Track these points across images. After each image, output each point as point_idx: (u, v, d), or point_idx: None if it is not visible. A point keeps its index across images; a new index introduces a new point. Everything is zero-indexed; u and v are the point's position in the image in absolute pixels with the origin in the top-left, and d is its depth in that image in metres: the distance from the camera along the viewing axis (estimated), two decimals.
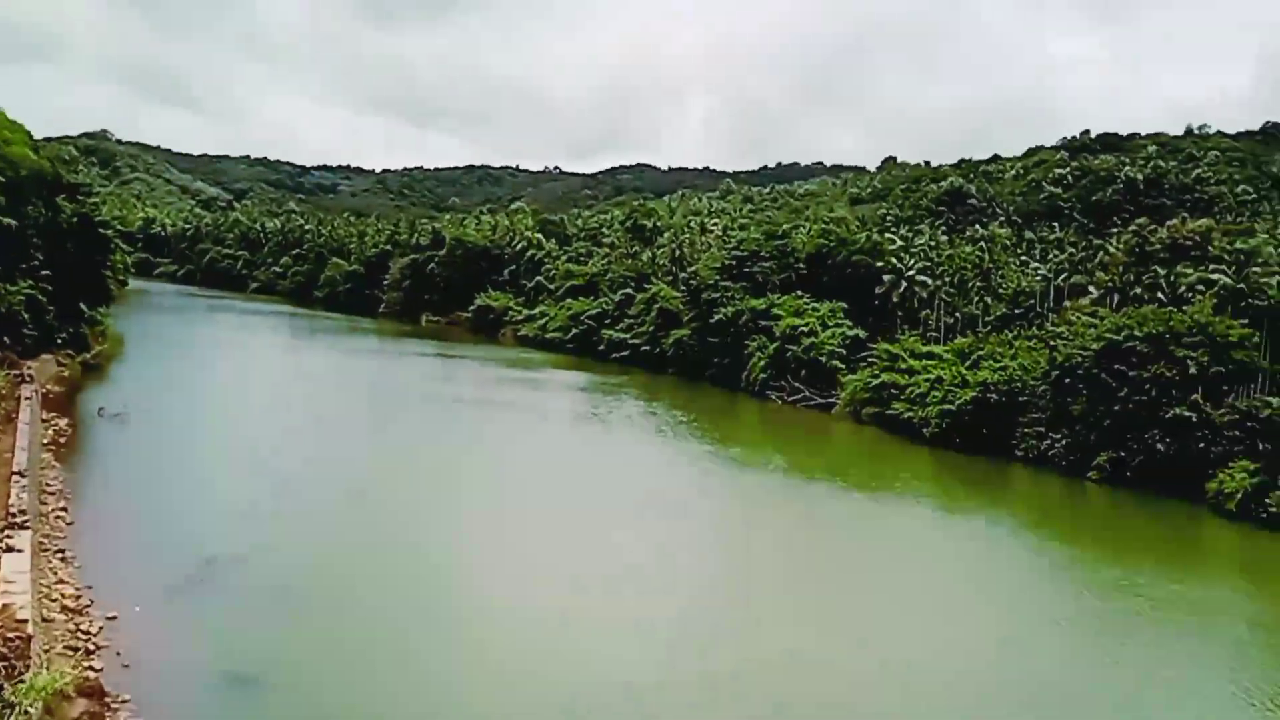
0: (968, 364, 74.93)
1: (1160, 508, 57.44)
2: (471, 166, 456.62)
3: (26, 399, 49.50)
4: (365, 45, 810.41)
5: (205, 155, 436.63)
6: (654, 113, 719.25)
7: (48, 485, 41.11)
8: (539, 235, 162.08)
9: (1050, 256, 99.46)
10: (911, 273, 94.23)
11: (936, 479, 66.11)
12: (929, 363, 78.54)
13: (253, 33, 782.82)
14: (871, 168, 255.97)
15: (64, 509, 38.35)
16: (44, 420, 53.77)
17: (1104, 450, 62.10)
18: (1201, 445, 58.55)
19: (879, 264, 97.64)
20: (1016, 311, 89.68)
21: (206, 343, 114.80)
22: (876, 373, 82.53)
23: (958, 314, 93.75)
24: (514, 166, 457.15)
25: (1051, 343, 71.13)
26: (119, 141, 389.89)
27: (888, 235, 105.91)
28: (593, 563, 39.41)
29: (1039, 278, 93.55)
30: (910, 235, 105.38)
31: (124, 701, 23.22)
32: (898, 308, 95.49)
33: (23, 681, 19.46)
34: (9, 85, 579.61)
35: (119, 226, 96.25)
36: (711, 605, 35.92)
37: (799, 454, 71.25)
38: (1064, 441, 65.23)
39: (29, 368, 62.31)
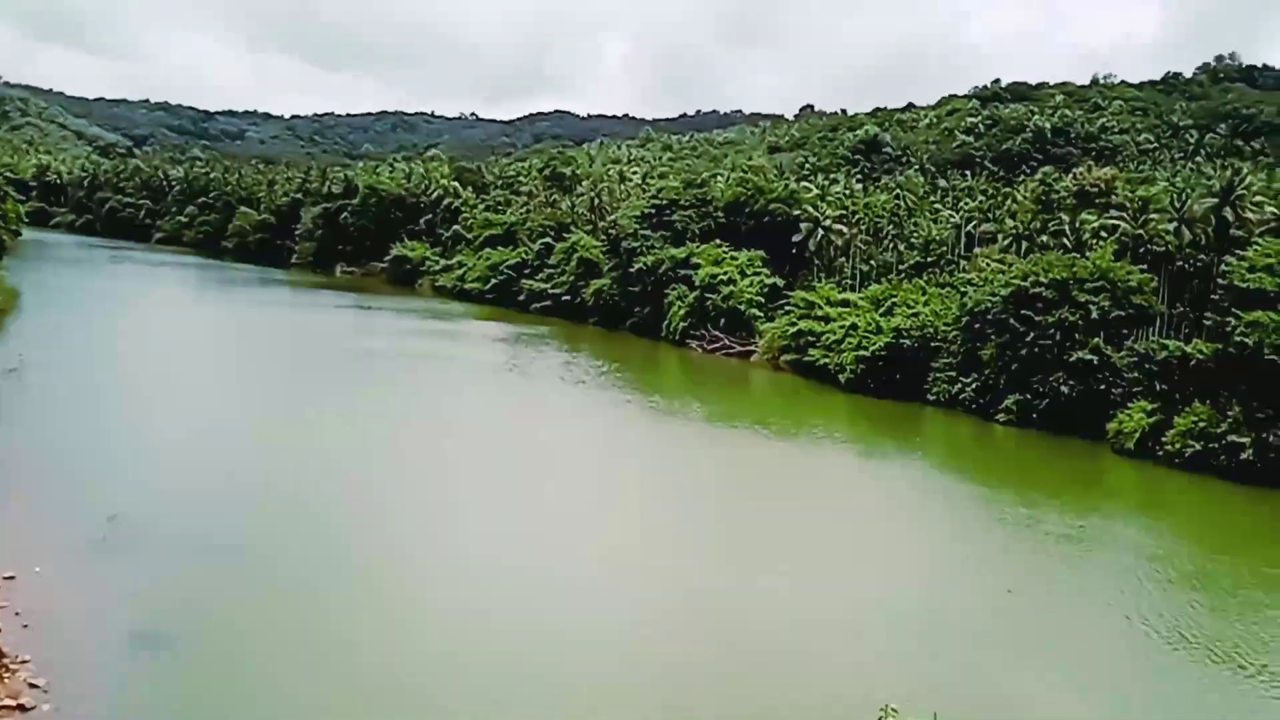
0: (882, 311, 76.27)
1: (1065, 447, 59.56)
2: (385, 112, 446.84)
3: None
4: None
5: (102, 99, 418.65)
6: (572, 56, 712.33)
7: None
8: (455, 184, 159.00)
9: (962, 205, 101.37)
10: (828, 221, 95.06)
11: (853, 423, 67.41)
12: (844, 310, 79.68)
13: None
14: (790, 116, 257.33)
15: None
16: None
17: (1012, 393, 63.99)
18: (1103, 387, 60.77)
19: (796, 212, 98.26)
20: (929, 259, 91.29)
21: (108, 295, 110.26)
22: (794, 320, 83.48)
23: (872, 261, 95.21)
24: (429, 112, 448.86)
25: (962, 289, 72.74)
26: (7, 84, 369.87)
27: (804, 184, 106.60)
28: (509, 514, 39.27)
29: (950, 225, 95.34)
30: (826, 184, 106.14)
31: (23, 662, 22.50)
32: (815, 256, 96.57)
33: None
34: None
35: (6, 174, 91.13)
36: (636, 552, 36.10)
37: (720, 401, 71.99)
38: (974, 385, 67.03)
39: None
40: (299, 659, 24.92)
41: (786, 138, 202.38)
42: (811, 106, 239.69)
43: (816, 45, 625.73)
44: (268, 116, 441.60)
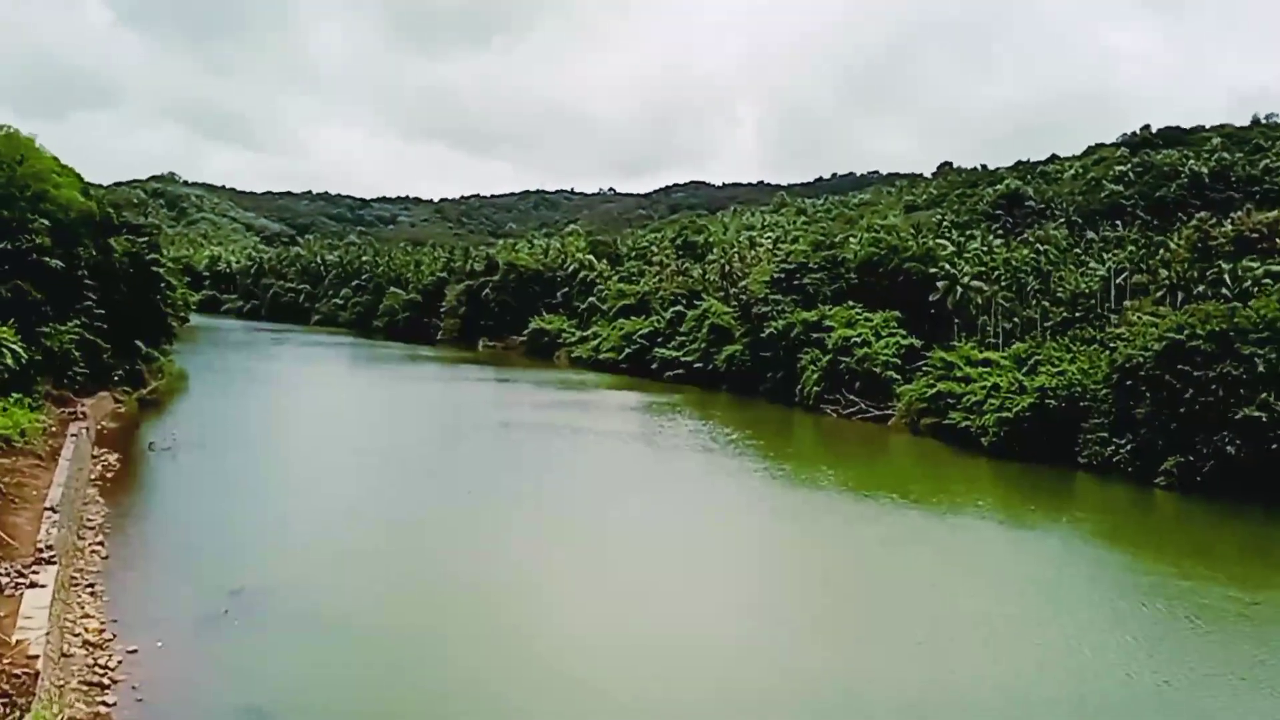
0: (1025, 370, 72.52)
1: (1236, 515, 54.45)
2: (527, 192, 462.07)
3: (73, 435, 50.27)
4: (410, 74, 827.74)
5: (269, 193, 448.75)
6: (704, 127, 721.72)
7: (88, 520, 41.51)
8: (590, 256, 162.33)
9: (1110, 256, 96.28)
10: (966, 278, 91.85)
11: (997, 489, 63.72)
12: (985, 370, 76.21)
13: (300, 66, 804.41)
14: (927, 173, 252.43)
15: (100, 543, 38.58)
16: (94, 456, 54.66)
17: (1172, 455, 59.28)
18: (1275, 446, 55.57)
19: (932, 270, 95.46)
20: (1076, 314, 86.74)
21: (267, 375, 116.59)
22: (932, 382, 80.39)
23: (1015, 319, 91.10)
24: (568, 190, 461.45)
25: (1111, 344, 68.47)
26: (185, 183, 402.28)
27: (939, 241, 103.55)
28: (637, 578, 38.30)
29: (1098, 278, 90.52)
30: (962, 240, 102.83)
31: None
32: (953, 315, 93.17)
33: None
34: (76, 132, 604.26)
35: (170, 264, 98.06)
36: (765, 623, 34.45)
37: (855, 467, 69.28)
38: (1129, 447, 62.46)
39: (83, 405, 63.59)
40: None
41: (924, 196, 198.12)
42: (950, 163, 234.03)
43: (951, 102, 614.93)
44: (418, 201, 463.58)
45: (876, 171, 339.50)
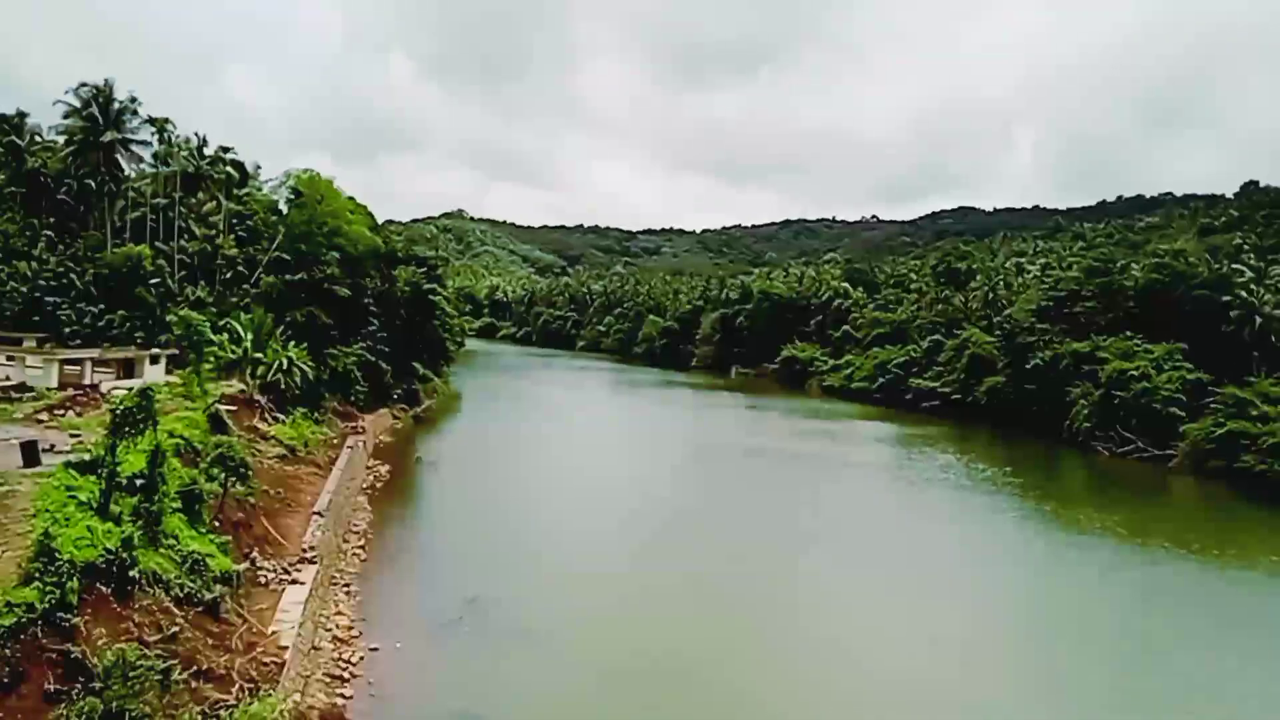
0: None
1: None
2: (788, 221, 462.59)
3: (349, 448, 55.30)
4: (678, 108, 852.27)
5: (545, 226, 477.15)
6: (976, 151, 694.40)
7: (354, 525, 45.42)
8: (845, 284, 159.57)
9: None
10: (1267, 306, 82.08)
11: None
12: None
13: (577, 105, 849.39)
14: (1229, 194, 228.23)
15: (362, 547, 42.10)
16: (368, 468, 59.84)
17: None
18: None
19: (1225, 299, 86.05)
20: None
21: (532, 398, 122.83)
22: (1222, 420, 72.54)
23: None
24: (830, 218, 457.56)
25: None
26: (472, 219, 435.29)
27: (1235, 266, 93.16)
28: (888, 637, 36.39)
29: None
30: (1264, 265, 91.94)
31: None
32: (1250, 348, 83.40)
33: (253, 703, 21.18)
34: (382, 175, 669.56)
35: (447, 293, 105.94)
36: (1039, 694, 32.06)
37: (1127, 513, 62.88)
38: None
39: (363, 421, 69.87)
40: None
41: (1223, 218, 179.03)
42: (1255, 183, 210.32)
43: (1260, 119, 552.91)
44: (681, 232, 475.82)
45: (1170, 194, 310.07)
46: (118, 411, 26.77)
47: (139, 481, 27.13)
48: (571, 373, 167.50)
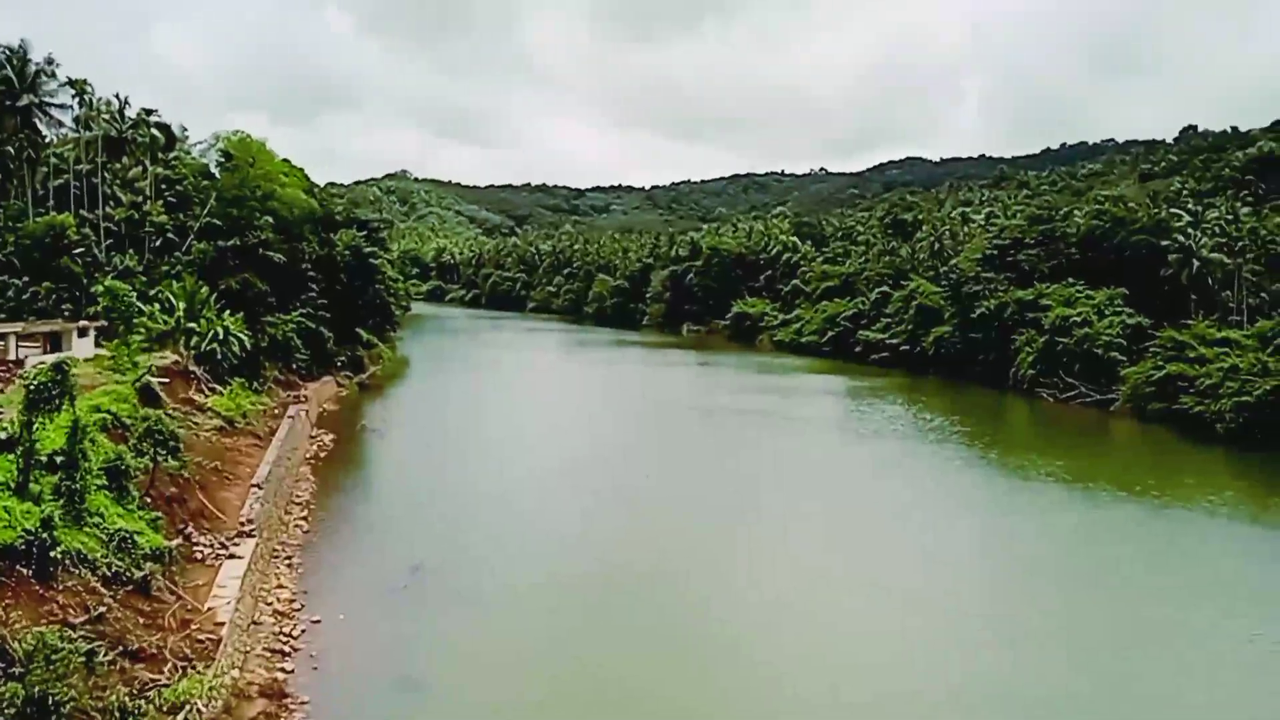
0: (1270, 350, 65.01)
1: None
2: (736, 175, 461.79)
3: (289, 417, 54.11)
4: (621, 63, 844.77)
5: (491, 186, 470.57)
6: (925, 102, 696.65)
7: (297, 496, 44.55)
8: (794, 239, 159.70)
9: None
10: (1203, 250, 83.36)
11: (1233, 483, 57.28)
12: (1223, 350, 69.00)
13: (522, 61, 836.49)
14: (1170, 140, 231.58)
15: (305, 518, 41.32)
16: (311, 437, 58.71)
17: None
18: None
19: (1164, 243, 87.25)
20: None
21: (481, 360, 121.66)
22: (1161, 363, 73.77)
23: (1263, 294, 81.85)
24: (779, 172, 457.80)
25: None
26: (416, 179, 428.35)
27: (1173, 211, 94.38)
28: (834, 586, 36.55)
29: None
30: (1200, 209, 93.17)
31: (303, 703, 24.09)
32: (1188, 291, 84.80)
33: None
34: (322, 135, 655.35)
35: (390, 256, 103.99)
36: (982, 631, 32.24)
37: (1072, 457, 63.63)
38: None
39: (306, 390, 68.50)
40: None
41: (1162, 163, 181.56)
42: (1194, 127, 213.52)
43: (1203, 65, 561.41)
44: (629, 189, 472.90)
45: (1112, 140, 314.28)
46: (32, 387, 25.64)
47: (59, 459, 26.14)
48: (521, 335, 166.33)
